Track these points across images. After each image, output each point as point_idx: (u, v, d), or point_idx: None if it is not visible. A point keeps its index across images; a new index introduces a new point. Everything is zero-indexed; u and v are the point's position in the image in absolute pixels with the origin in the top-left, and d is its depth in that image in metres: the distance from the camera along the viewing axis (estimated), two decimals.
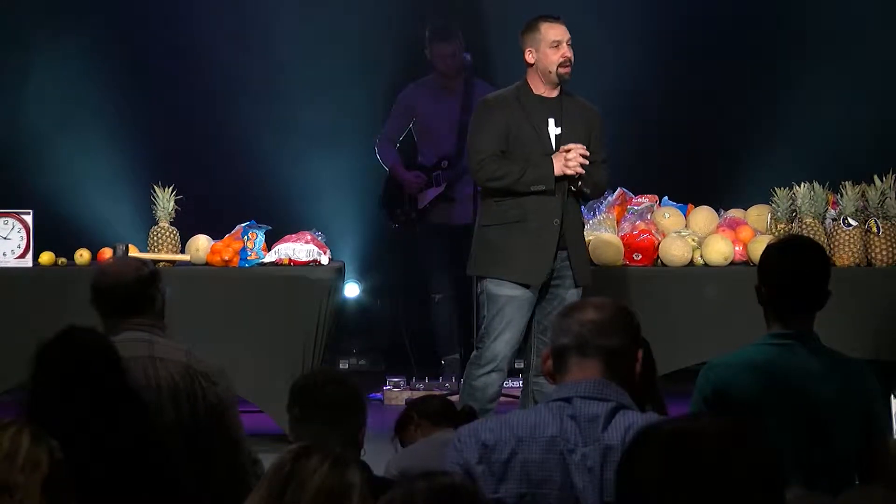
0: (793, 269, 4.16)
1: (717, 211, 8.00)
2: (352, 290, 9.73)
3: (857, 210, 7.64)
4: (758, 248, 7.61)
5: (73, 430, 3.43)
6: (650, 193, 8.07)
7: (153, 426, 4.03)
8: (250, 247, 7.60)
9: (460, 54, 9.16)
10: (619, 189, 8.04)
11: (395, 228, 9.26)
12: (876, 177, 7.69)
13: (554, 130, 6.83)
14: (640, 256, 7.62)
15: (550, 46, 6.80)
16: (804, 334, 4.13)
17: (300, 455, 3.01)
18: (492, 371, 6.83)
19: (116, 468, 3.74)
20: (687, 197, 8.07)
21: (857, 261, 7.57)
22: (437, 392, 8.77)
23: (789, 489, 3.04)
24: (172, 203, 7.64)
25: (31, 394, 3.87)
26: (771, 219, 7.72)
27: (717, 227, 7.84)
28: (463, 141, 9.11)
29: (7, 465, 3.02)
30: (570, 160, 6.69)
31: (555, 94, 6.87)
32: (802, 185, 7.66)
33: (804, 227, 7.57)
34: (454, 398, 8.71)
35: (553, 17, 6.89)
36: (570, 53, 6.80)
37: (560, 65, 6.79)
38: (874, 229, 7.58)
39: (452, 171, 9.00)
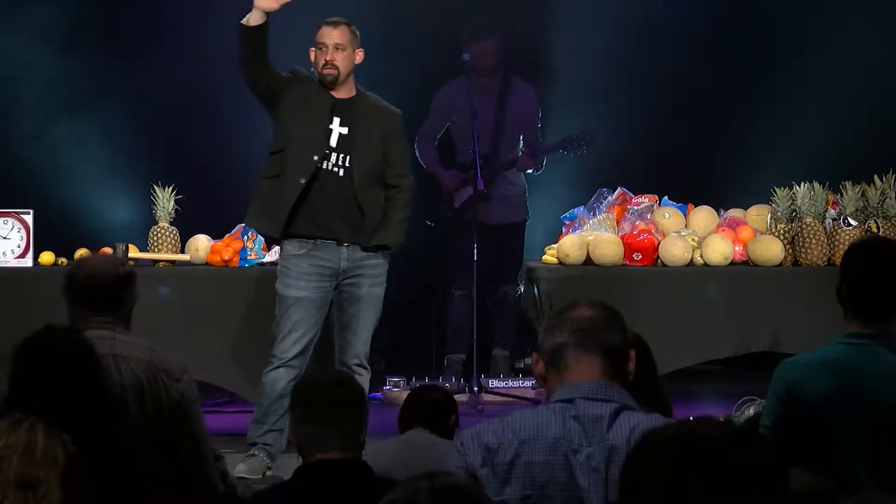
0: (876, 268, 4.13)
1: (717, 211, 8.00)
2: None
3: (857, 210, 7.64)
4: (758, 248, 7.62)
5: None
6: (650, 193, 8.07)
7: (120, 424, 4.03)
8: (250, 247, 7.60)
9: (498, 53, 9.13)
10: (619, 189, 8.04)
11: (430, 226, 9.24)
12: (876, 177, 7.70)
13: (340, 129, 6.87)
14: (640, 256, 7.62)
15: (317, 48, 6.89)
16: (882, 335, 4.08)
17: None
18: (279, 366, 6.84)
19: (92, 466, 3.73)
20: (687, 197, 8.07)
21: None
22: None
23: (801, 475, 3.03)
24: (172, 203, 7.64)
25: (8, 392, 3.87)
26: (771, 219, 7.71)
27: (717, 227, 7.84)
28: (499, 139, 9.09)
29: (26, 461, 3.00)
30: None
31: (343, 94, 6.91)
32: (802, 185, 7.65)
33: (804, 227, 7.57)
34: (456, 398, 8.74)
35: (330, 22, 6.93)
36: (330, 56, 6.85)
37: (323, 66, 6.86)
38: (874, 229, 7.58)
39: (489, 169, 8.90)
